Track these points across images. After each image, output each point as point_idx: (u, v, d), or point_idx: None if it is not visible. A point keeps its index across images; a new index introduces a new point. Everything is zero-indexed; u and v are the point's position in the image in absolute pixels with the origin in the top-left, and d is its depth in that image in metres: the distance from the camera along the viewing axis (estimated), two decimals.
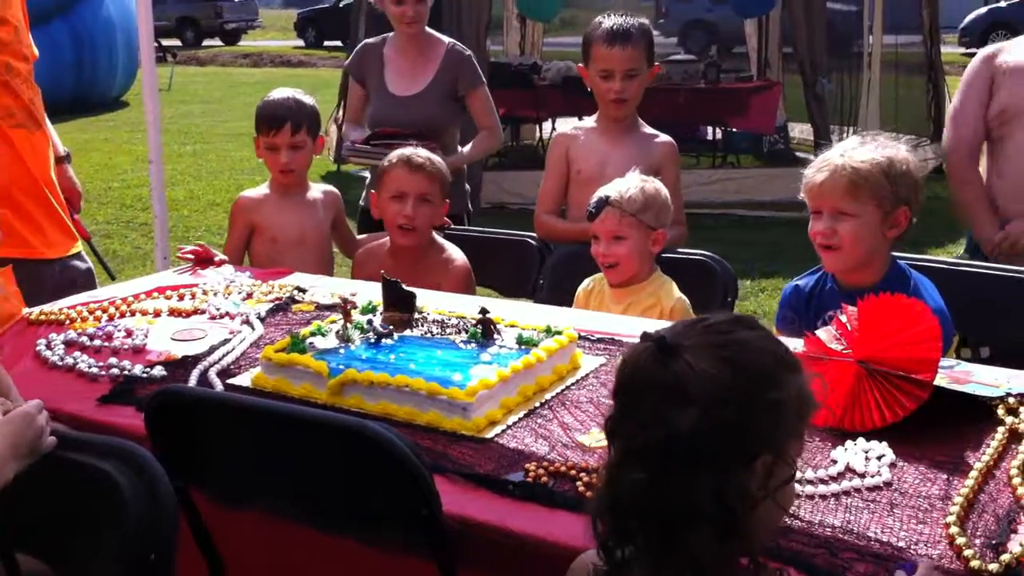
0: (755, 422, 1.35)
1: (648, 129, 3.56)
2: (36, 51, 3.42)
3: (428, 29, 4.26)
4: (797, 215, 8.32)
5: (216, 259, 3.43)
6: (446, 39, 4.31)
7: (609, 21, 3.45)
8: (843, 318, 2.21)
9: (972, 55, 3.64)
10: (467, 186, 4.38)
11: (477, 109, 4.29)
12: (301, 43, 29.35)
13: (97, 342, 2.66)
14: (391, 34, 4.32)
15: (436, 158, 3.38)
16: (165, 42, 25.23)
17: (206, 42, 30.14)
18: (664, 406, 1.34)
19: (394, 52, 4.28)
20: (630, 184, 2.99)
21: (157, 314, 2.90)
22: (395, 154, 3.36)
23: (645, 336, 1.40)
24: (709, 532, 1.32)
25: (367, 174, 4.74)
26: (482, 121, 4.31)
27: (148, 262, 7.39)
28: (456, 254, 3.38)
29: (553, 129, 11.05)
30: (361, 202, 4.34)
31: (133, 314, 2.91)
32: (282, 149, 3.52)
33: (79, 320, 2.84)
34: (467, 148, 4.29)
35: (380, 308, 2.60)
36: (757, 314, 6.22)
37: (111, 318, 2.87)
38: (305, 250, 3.57)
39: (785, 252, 7.40)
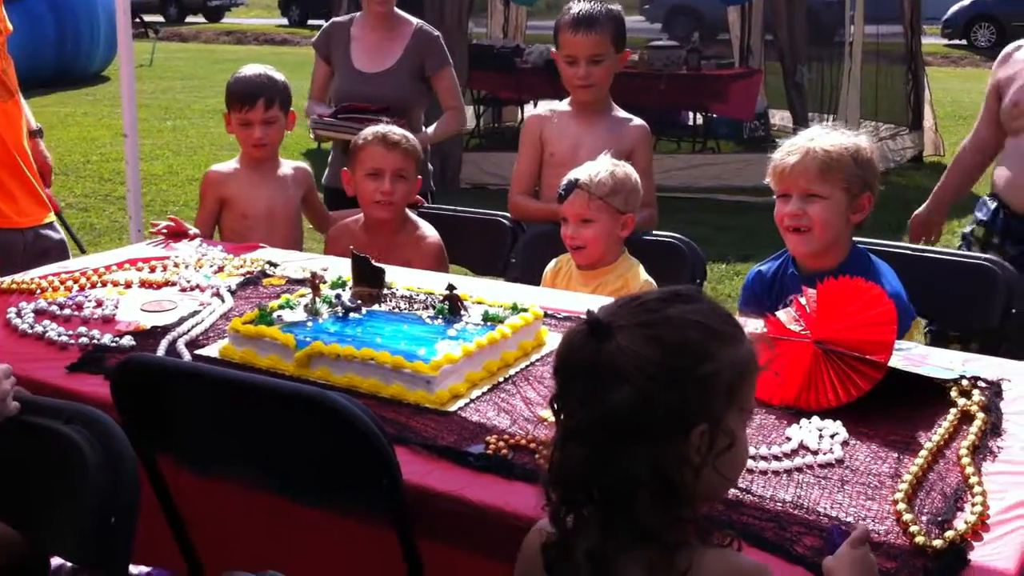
0: (686, 396, 1.39)
1: (621, 113, 3.57)
2: (10, 25, 3.42)
3: (397, 10, 4.30)
4: (774, 200, 8.40)
5: (190, 232, 3.44)
6: (414, 20, 4.34)
7: (577, 7, 3.47)
8: (803, 300, 2.24)
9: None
10: (430, 166, 4.40)
11: (443, 90, 4.33)
12: (285, 21, 29.20)
13: (67, 311, 2.68)
14: (359, 13, 4.36)
15: (410, 135, 3.40)
16: (148, 18, 25.08)
17: (189, 19, 29.94)
18: (598, 385, 1.39)
19: (362, 30, 4.32)
20: (600, 168, 3.02)
21: (128, 285, 2.92)
22: (369, 131, 3.37)
23: (588, 314, 1.44)
24: (648, 499, 1.36)
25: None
26: (447, 102, 4.36)
27: (124, 235, 7.37)
28: (429, 231, 3.41)
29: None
30: (323, 180, 4.36)
31: (104, 285, 2.93)
32: (256, 125, 3.54)
33: (50, 290, 2.85)
34: (431, 128, 4.32)
35: (350, 283, 2.62)
36: (732, 297, 6.26)
37: (82, 288, 2.89)
38: (274, 225, 3.59)
39: (761, 236, 7.42)
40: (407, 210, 3.43)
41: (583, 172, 3.02)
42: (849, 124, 9.37)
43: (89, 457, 1.61)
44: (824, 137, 2.64)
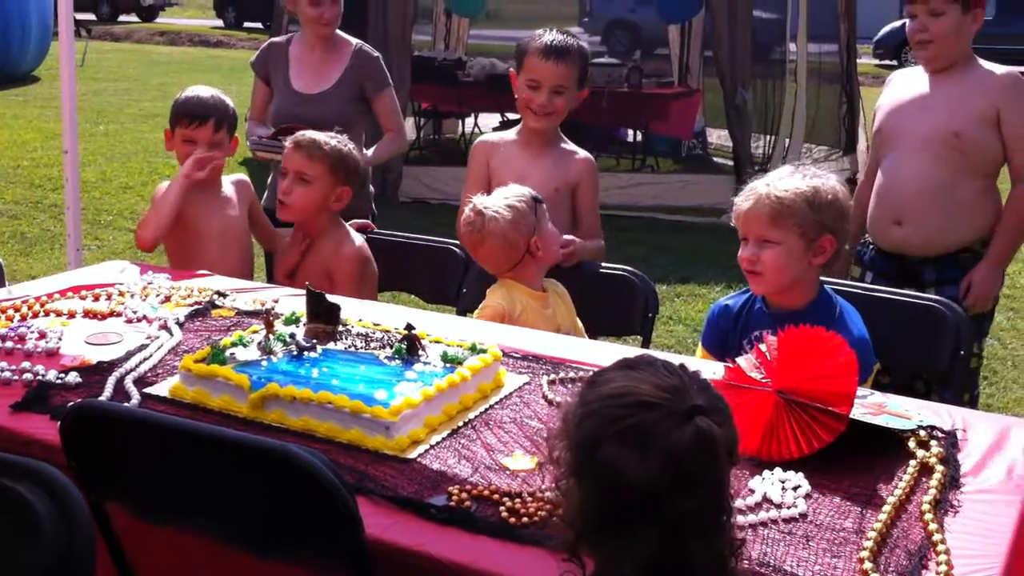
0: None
1: (568, 145, 3.53)
2: None
3: (337, 31, 4.27)
4: (714, 220, 8.49)
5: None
6: (354, 40, 4.32)
7: (550, 35, 3.43)
8: (763, 347, 2.24)
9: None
10: (371, 188, 4.35)
11: (383, 111, 4.31)
12: (220, 23, 28.86)
13: (9, 344, 2.59)
14: (298, 33, 4.33)
15: (332, 143, 3.36)
16: (79, 16, 24.62)
17: (122, 17, 29.45)
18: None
19: (300, 50, 4.31)
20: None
21: (72, 315, 2.83)
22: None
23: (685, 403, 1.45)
24: None
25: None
26: (387, 123, 4.34)
27: (57, 245, 7.22)
28: (352, 241, 3.42)
29: (476, 125, 11.05)
30: (263, 202, 4.31)
31: (48, 314, 2.84)
32: (201, 144, 3.47)
33: None
34: (371, 150, 4.28)
35: (303, 319, 2.57)
36: (673, 319, 6.29)
37: (24, 318, 2.80)
38: (228, 244, 3.53)
39: (700, 257, 7.51)
40: (340, 220, 3.43)
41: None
42: (792, 147, 9.51)
43: (42, 517, 1.55)
44: (780, 182, 2.65)
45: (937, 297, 3.07)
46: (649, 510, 1.40)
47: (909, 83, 3.56)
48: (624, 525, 1.41)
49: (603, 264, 3.37)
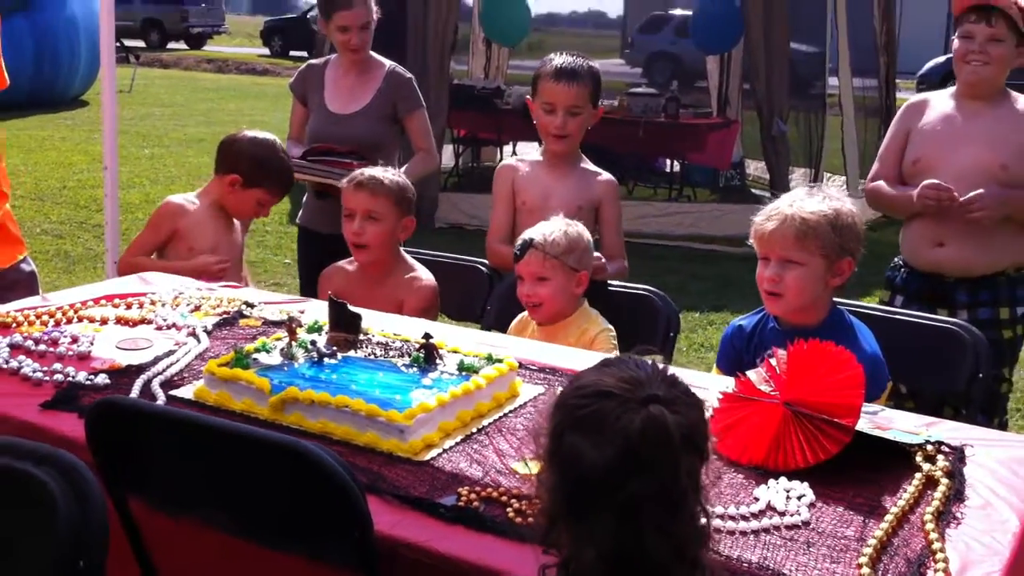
0: None
1: (591, 166, 3.62)
2: (7, 78, 3.40)
3: (372, 53, 4.38)
4: (749, 251, 8.46)
5: None
6: (387, 62, 4.41)
7: (560, 58, 3.51)
8: (773, 361, 2.28)
9: None
10: None
11: (414, 132, 4.40)
12: (266, 51, 29.32)
13: (42, 347, 2.67)
14: (334, 56, 4.43)
15: (390, 176, 3.42)
16: (129, 43, 25.12)
17: (171, 45, 30.02)
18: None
19: (335, 72, 4.41)
20: (554, 227, 3.09)
21: (104, 322, 2.92)
22: (355, 173, 3.45)
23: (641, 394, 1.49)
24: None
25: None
26: (419, 144, 4.43)
27: (99, 264, 7.36)
28: (423, 274, 3.46)
29: (514, 153, 11.14)
30: (298, 220, 4.42)
31: (80, 320, 2.93)
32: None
33: (25, 324, 2.85)
34: (402, 169, 4.35)
35: (326, 328, 2.64)
36: (705, 347, 6.30)
37: (57, 323, 2.88)
38: (217, 253, 3.67)
39: (735, 286, 7.51)
40: (402, 251, 3.47)
41: (537, 232, 3.10)
42: (850, 182, 9.49)
43: (59, 500, 1.61)
44: (804, 202, 2.68)
45: (955, 320, 3.09)
46: (604, 494, 1.45)
47: (942, 112, 3.54)
48: (584, 510, 1.47)
49: (625, 283, 3.41)
